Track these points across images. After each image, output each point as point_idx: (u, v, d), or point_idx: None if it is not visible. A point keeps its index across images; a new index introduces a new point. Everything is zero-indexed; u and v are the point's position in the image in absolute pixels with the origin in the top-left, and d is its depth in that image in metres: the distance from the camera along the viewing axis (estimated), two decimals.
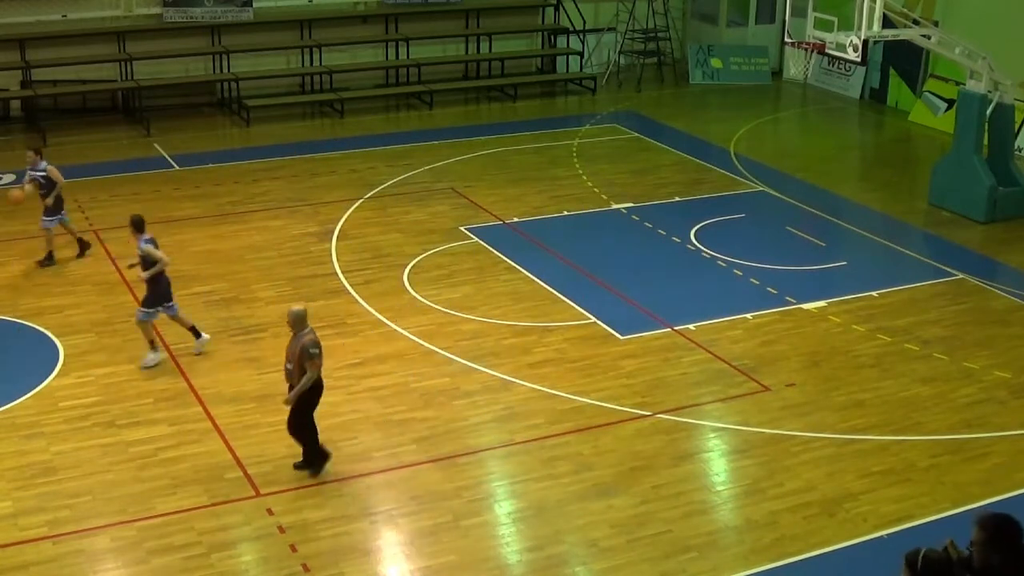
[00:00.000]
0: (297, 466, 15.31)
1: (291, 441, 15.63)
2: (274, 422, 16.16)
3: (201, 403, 16.85)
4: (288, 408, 15.05)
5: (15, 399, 16.81)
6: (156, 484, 14.94)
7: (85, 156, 28.09)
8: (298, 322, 14.84)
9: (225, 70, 32.31)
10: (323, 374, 14.91)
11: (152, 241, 18.12)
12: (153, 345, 18.07)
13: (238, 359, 18.14)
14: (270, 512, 14.39)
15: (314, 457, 15.27)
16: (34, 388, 17.19)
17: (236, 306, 19.94)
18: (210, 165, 27.35)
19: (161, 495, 14.73)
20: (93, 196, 25.11)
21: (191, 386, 17.31)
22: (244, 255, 22.03)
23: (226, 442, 15.87)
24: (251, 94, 31.94)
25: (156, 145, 28.97)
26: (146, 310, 17.95)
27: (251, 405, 16.80)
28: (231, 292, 20.45)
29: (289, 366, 14.92)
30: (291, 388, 14.92)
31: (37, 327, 19.08)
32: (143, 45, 31.59)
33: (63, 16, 30.85)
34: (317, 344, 14.73)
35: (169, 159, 27.93)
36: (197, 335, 18.41)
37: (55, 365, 17.89)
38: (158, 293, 17.96)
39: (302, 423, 15.11)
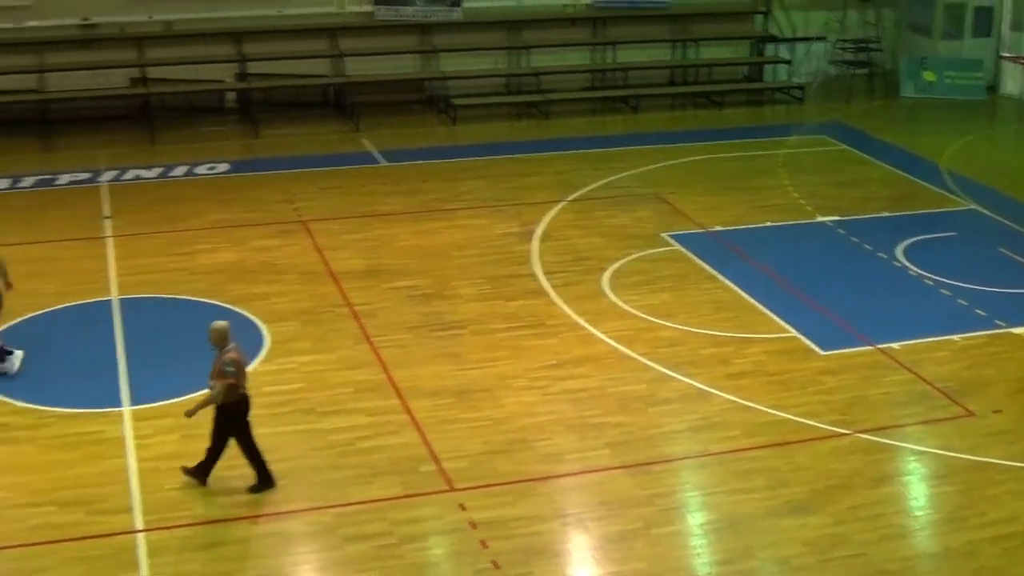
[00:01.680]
0: (253, 485, 14.86)
1: (484, 438, 15.77)
2: (471, 418, 16.32)
3: (400, 396, 17.08)
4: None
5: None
6: (353, 472, 15.19)
7: (295, 149, 28.83)
8: (220, 339, 14.42)
9: (434, 68, 32.77)
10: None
11: None
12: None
13: (438, 354, 18.33)
14: (463, 508, 14.49)
15: (262, 477, 14.80)
16: None
17: (437, 302, 20.16)
18: (417, 162, 27.74)
19: (357, 483, 14.97)
20: (302, 188, 25.72)
21: (390, 378, 17.56)
22: (447, 252, 22.28)
23: (423, 435, 16.05)
24: (458, 93, 32.31)
25: (364, 140, 29.55)
26: None
27: (449, 400, 16.95)
28: (433, 288, 20.70)
29: (212, 383, 14.41)
30: (217, 407, 14.52)
31: (245, 313, 19.60)
32: (355, 42, 32.25)
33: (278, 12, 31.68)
34: (235, 363, 14.32)
35: (376, 154, 28.46)
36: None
37: (260, 351, 18.35)
38: None
39: (218, 442, 14.65)
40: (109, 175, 26.75)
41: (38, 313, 19.71)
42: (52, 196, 25.67)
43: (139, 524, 14.10)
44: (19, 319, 19.42)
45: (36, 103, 30.81)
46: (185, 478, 14.82)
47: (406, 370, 17.80)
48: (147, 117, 30.84)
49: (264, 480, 14.81)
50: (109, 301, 20.10)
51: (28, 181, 26.57)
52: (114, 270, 21.38)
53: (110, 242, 22.69)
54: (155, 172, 27.03)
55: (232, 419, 14.51)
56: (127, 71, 31.43)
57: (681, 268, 21.74)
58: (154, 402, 16.73)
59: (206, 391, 14.53)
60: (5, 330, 18.44)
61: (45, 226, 23.61)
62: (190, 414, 14.62)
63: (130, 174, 26.87)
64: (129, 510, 14.37)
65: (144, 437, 15.81)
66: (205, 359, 14.62)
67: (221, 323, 14.52)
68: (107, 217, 24.06)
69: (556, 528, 14.25)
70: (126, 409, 16.58)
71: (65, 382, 17.37)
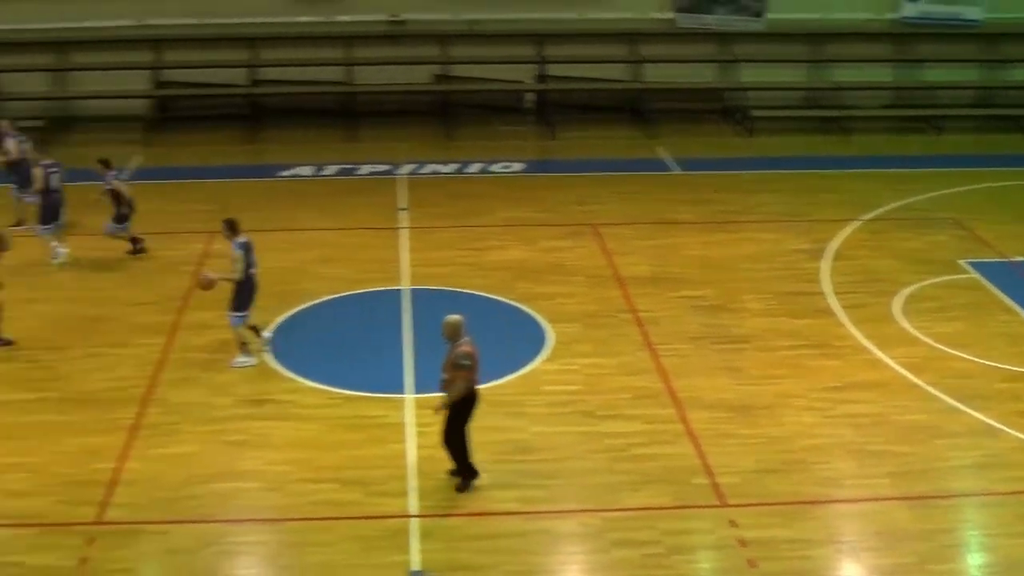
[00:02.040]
0: (451, 472, 15.03)
1: (760, 455, 15.52)
2: (748, 434, 16.09)
3: (677, 405, 16.96)
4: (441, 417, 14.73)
5: (503, 377, 17.51)
6: (625, 478, 15.17)
7: (590, 152, 29.06)
8: (454, 332, 14.47)
9: (732, 79, 32.48)
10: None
11: (241, 243, 17.98)
12: (244, 349, 18.21)
13: (719, 367, 18.13)
14: (733, 524, 14.29)
15: (464, 470, 14.91)
16: (521, 369, 17.88)
17: (723, 314, 19.95)
18: (710, 172, 27.54)
19: (629, 489, 14.94)
20: (594, 191, 25.88)
21: (669, 387, 17.46)
22: (735, 264, 22.02)
23: (697, 447, 15.89)
24: (756, 104, 31.92)
25: (659, 148, 29.52)
26: (236, 314, 18.01)
27: (727, 414, 16.75)
28: (719, 300, 20.49)
29: (444, 376, 14.56)
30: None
31: (530, 311, 19.84)
32: (654, 48, 32.24)
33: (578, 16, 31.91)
34: (470, 356, 14.30)
35: (670, 162, 28.39)
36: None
37: (543, 350, 18.53)
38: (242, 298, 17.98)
39: (452, 435, 14.71)
40: (407, 168, 27.52)
41: (332, 297, 20.42)
42: (352, 185, 26.59)
43: (414, 509, 14.42)
44: (314, 302, 20.18)
45: (343, 95, 31.96)
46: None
47: (685, 380, 17.68)
48: (447, 113, 31.58)
49: (466, 477, 14.88)
50: (400, 290, 20.65)
51: (331, 169, 27.60)
52: (407, 260, 21.95)
53: (404, 233, 23.32)
54: (451, 168, 27.67)
55: (464, 411, 14.61)
56: (430, 68, 32.27)
57: (977, 297, 20.89)
58: (436, 392, 17.04)
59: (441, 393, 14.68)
60: (303, 310, 19.26)
61: (343, 213, 24.46)
62: (438, 410, 14.70)
63: (427, 168, 27.58)
64: (405, 494, 14.72)
65: (425, 425, 16.14)
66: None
67: (455, 317, 14.56)
68: (403, 209, 24.74)
69: (827, 554, 13.90)
70: (409, 396, 16.98)
71: (353, 365, 17.93)
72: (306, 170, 27.55)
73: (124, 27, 31.26)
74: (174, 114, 32.26)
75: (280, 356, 18.25)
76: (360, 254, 22.31)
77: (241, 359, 18.14)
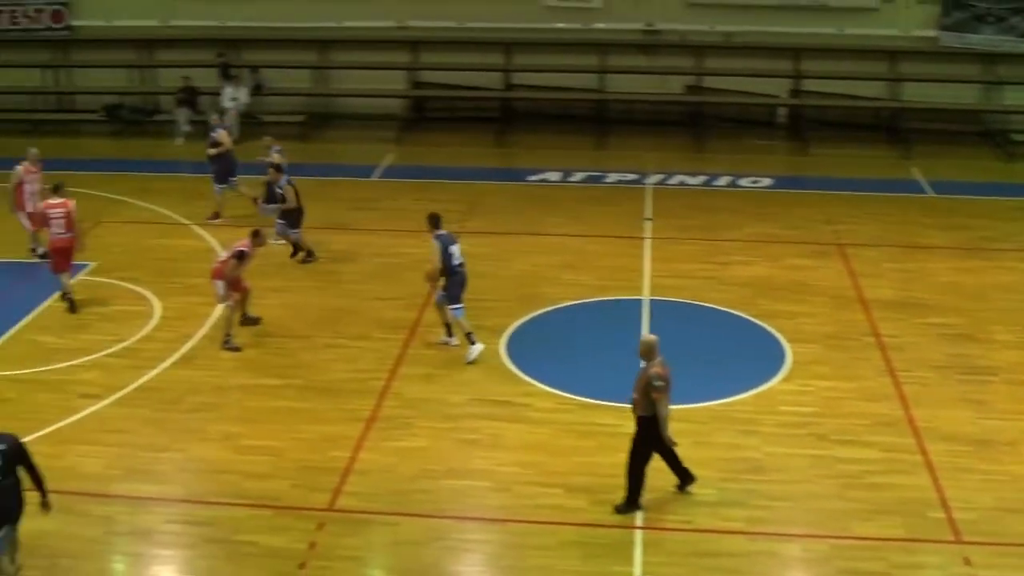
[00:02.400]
0: (678, 487, 14.84)
1: (1001, 493, 14.94)
2: (989, 470, 15.48)
3: (916, 435, 16.44)
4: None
5: (737, 394, 17.33)
6: (857, 506, 14.78)
7: (841, 170, 28.45)
8: (649, 352, 14.17)
9: (995, 101, 31.34)
10: None
11: (440, 236, 18.51)
12: (470, 337, 18.42)
13: (963, 398, 17.49)
14: (968, 562, 13.75)
15: (630, 492, 14.54)
16: (757, 387, 17.63)
17: (970, 344, 19.23)
18: (966, 197, 26.63)
19: (859, 518, 14.55)
20: (844, 211, 25.32)
21: (909, 416, 16.93)
22: (987, 293, 21.20)
23: (935, 479, 15.36)
24: (1019, 128, 30.73)
25: (913, 169, 28.69)
26: (452, 307, 18.51)
27: (967, 447, 16.14)
28: (967, 329, 19.75)
29: (635, 396, 14.26)
30: (637, 420, 14.33)
31: (769, 329, 19.54)
32: (914, 67, 31.36)
33: (839, 31, 31.27)
34: (662, 377, 13.97)
35: (924, 184, 27.57)
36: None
37: (780, 369, 18.23)
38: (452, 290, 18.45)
39: (637, 454, 14.42)
40: (655, 178, 27.48)
41: (572, 303, 20.52)
42: (599, 193, 26.69)
43: (639, 520, 14.38)
44: (554, 307, 20.32)
45: (595, 102, 32.11)
46: (687, 487, 14.97)
47: (926, 410, 17.12)
48: (698, 125, 31.41)
49: (631, 503, 14.61)
50: (640, 300, 20.61)
51: (578, 176, 27.76)
52: (648, 271, 21.91)
53: (647, 243, 23.28)
54: (699, 180, 27.49)
55: (653, 432, 14.38)
56: (683, 78, 32.14)
57: None
58: (670, 404, 16.97)
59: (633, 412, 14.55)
60: (543, 314, 19.45)
61: (589, 220, 24.56)
62: (669, 439, 14.51)
63: (675, 179, 27.47)
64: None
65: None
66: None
67: (650, 336, 14.43)
68: (648, 219, 24.70)
69: None
70: None
71: (589, 373, 17.98)
72: (554, 175, 27.79)
73: (384, 28, 32.11)
74: (428, 115, 32.97)
75: (517, 359, 18.44)
76: (602, 262, 22.37)
77: (475, 348, 18.55)
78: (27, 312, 20.39)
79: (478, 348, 18.51)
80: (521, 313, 20.03)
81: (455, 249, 18.52)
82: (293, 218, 22.28)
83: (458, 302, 18.55)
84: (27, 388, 17.86)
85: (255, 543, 14.00)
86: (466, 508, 14.80)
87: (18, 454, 12.67)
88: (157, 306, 20.54)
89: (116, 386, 17.79)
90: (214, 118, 25.48)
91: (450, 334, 18.95)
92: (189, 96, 31.44)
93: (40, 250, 22.04)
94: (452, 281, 18.51)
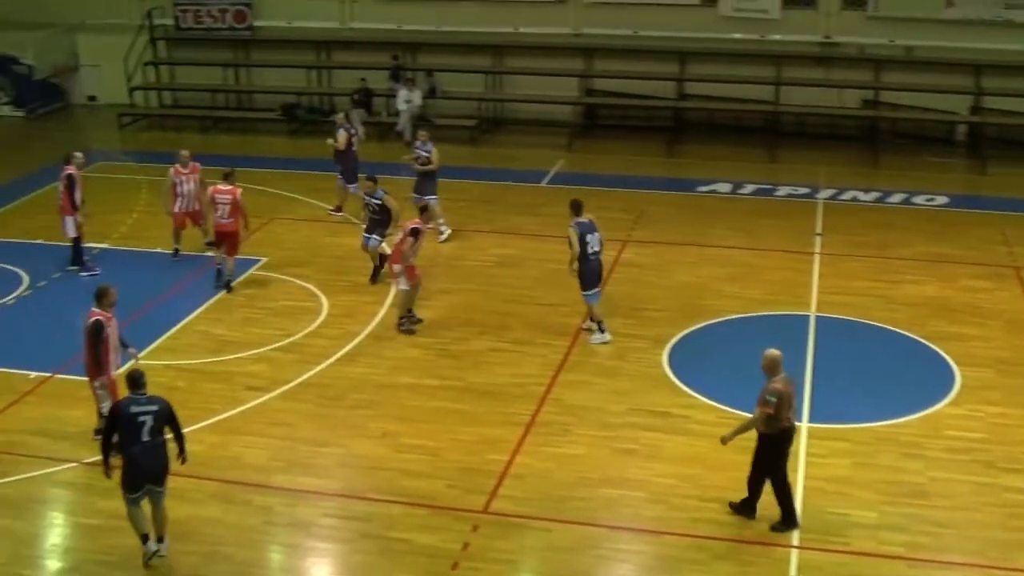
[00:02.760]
0: (737, 506, 14.56)
1: None
2: None
3: None
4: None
5: (903, 416, 16.92)
6: (1022, 536, 14.33)
7: (1021, 191, 27.59)
8: (772, 366, 13.98)
9: None
10: None
11: (578, 224, 18.92)
12: (600, 326, 19.14)
13: None
14: None
15: (747, 505, 14.45)
16: (923, 410, 17.18)
17: None
18: None
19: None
20: (1022, 233, 24.54)
21: None
22: None
23: None
24: None
25: None
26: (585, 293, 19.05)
27: None
28: None
29: (756, 409, 14.06)
30: (758, 436, 14.18)
31: (939, 351, 19.04)
32: None
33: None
34: (778, 393, 13.72)
35: None
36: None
37: (949, 393, 17.75)
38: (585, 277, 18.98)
39: (757, 471, 14.28)
40: (826, 193, 27.03)
41: (737, 316, 20.29)
42: (768, 206, 26.36)
43: (796, 540, 14.13)
44: (718, 319, 20.13)
45: (769, 114, 31.74)
46: (741, 512, 14.74)
47: None
48: (873, 140, 30.82)
49: (787, 521, 14.35)
50: (806, 316, 20.30)
51: (748, 188, 27.46)
52: (816, 287, 21.56)
53: (816, 258, 22.91)
54: (872, 196, 26.95)
55: (771, 450, 14.18)
56: (860, 92, 31.59)
57: None
58: (832, 423, 16.70)
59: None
60: (707, 326, 19.29)
61: (757, 233, 24.27)
62: (725, 440, 14.44)
63: (847, 194, 26.99)
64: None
65: (817, 456, 15.84)
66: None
67: (774, 351, 14.18)
68: (818, 234, 24.31)
69: None
70: (804, 425, 16.64)
71: (751, 387, 17.63)
72: (724, 187, 27.53)
73: (559, 35, 32.21)
74: (600, 122, 32.97)
75: (679, 370, 18.31)
76: (769, 276, 22.08)
77: (598, 336, 19.18)
78: (200, 304, 20.95)
79: (604, 337, 19.17)
80: (684, 324, 19.88)
81: (592, 238, 18.93)
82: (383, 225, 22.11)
83: (589, 288, 19.09)
84: (196, 378, 18.33)
85: (409, 541, 14.14)
86: (620, 518, 14.72)
87: (168, 415, 13.51)
88: (325, 303, 20.90)
89: (282, 380, 18.16)
90: (339, 117, 25.82)
91: (594, 323, 19.43)
92: (364, 97, 31.95)
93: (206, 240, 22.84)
94: (586, 269, 18.97)
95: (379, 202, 21.47)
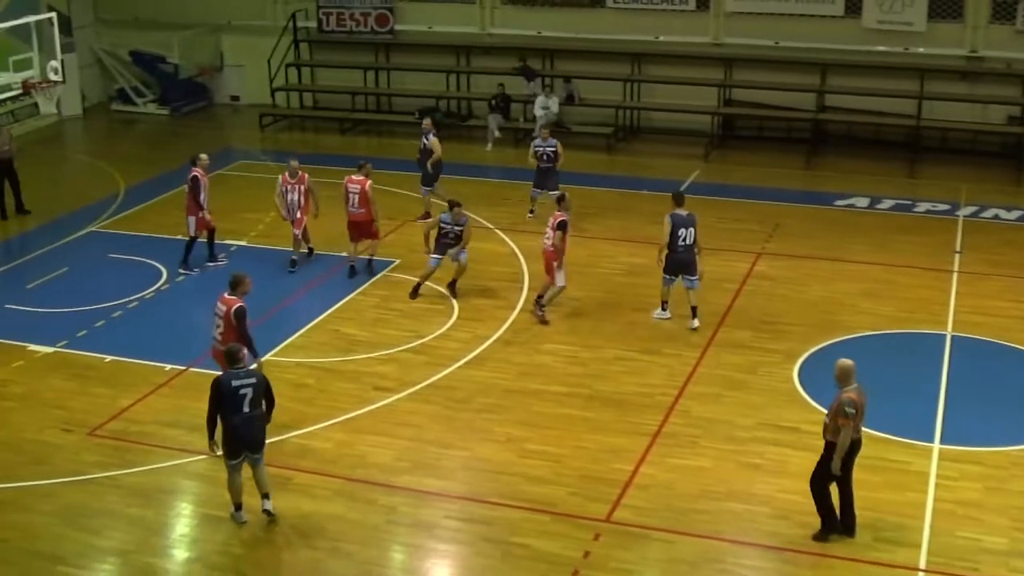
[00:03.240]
0: (815, 537, 14.34)
1: None
2: None
3: None
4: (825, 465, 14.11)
5: None
6: None
7: None
8: (844, 376, 13.80)
9: None
10: None
11: (673, 215, 19.94)
12: (663, 305, 20.40)
13: None
14: None
15: (823, 518, 14.26)
16: None
17: None
18: None
19: None
20: None
21: None
22: None
23: None
24: None
25: None
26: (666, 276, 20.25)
27: None
28: None
29: (827, 420, 13.97)
30: (825, 443, 14.00)
31: None
32: None
33: None
34: (854, 404, 13.62)
35: None
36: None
37: None
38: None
39: (819, 479, 14.14)
40: (967, 210, 26.42)
41: (871, 333, 19.95)
42: (907, 221, 25.85)
43: (923, 563, 13.86)
44: (852, 335, 19.80)
45: (910, 128, 31.12)
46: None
47: None
48: (1018, 157, 30.05)
49: (825, 526, 14.32)
50: (942, 336, 19.87)
51: (886, 203, 26.95)
52: (953, 306, 21.10)
53: (954, 277, 22.41)
54: (1015, 215, 26.24)
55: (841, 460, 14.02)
56: (1006, 108, 30.84)
57: None
58: (965, 445, 16.34)
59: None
60: (840, 342, 19.01)
61: (895, 249, 23.82)
62: (835, 470, 14.04)
63: (989, 212, 26.34)
64: (917, 546, 14.16)
65: (948, 478, 15.52)
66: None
67: (847, 361, 13.95)
68: (957, 252, 23.77)
69: None
70: (936, 446, 16.32)
71: (882, 406, 17.35)
72: (862, 201, 27.07)
73: (699, 44, 32.00)
74: (737, 132, 32.67)
75: (809, 386, 18.05)
76: (905, 293, 21.66)
77: (658, 312, 20.46)
78: (334, 303, 21.23)
79: (663, 315, 20.49)
80: (817, 339, 19.59)
81: (684, 231, 19.82)
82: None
83: (668, 275, 20.19)
84: (326, 376, 18.58)
85: (529, 546, 14.15)
86: (744, 533, 14.58)
87: (265, 388, 14.39)
88: (455, 306, 21.02)
89: (410, 381, 18.31)
90: (426, 122, 25.86)
91: (664, 308, 20.52)
92: (502, 103, 32.09)
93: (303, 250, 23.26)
94: (672, 258, 19.94)
95: (461, 229, 21.33)
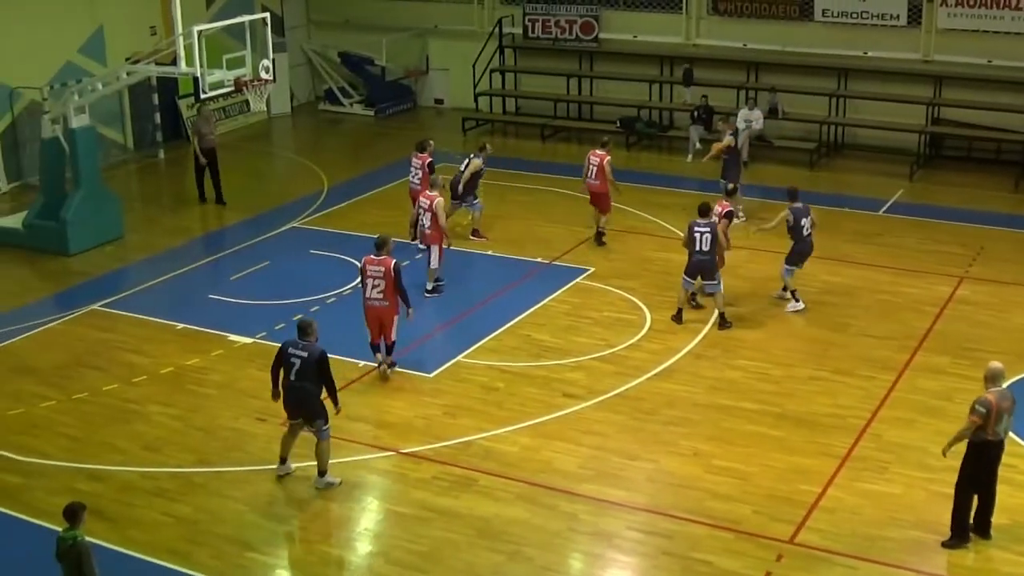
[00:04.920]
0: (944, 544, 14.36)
1: None
2: None
3: None
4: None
5: None
6: None
7: None
8: (992, 378, 14.03)
9: None
10: None
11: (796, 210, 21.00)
12: (795, 295, 21.16)
13: None
14: None
15: (954, 527, 14.30)
16: None
17: None
18: None
19: None
20: None
21: None
22: None
23: None
24: None
25: None
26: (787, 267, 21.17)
27: None
28: None
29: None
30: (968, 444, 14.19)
31: None
32: None
33: None
34: (986, 404, 13.70)
35: None
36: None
37: None
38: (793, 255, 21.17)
39: (963, 483, 14.23)
40: None
41: None
42: None
43: None
44: None
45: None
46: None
47: None
48: None
49: (954, 535, 14.21)
50: None
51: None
52: None
53: None
54: None
55: (975, 461, 14.07)
56: None
57: None
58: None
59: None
60: None
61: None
62: (945, 452, 14.33)
63: None
64: None
65: None
66: None
67: (997, 364, 14.23)
68: None
69: None
70: None
71: None
72: None
73: (908, 60, 31.29)
74: (945, 152, 31.81)
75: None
76: None
77: (792, 304, 21.16)
78: (528, 307, 21.36)
79: (798, 306, 21.13)
80: (1019, 369, 18.87)
81: (806, 221, 21.03)
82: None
83: (792, 265, 21.18)
84: (515, 380, 18.71)
85: (710, 563, 14.03)
86: (929, 563, 14.19)
87: (314, 365, 15.17)
88: (648, 317, 20.96)
89: (598, 390, 18.33)
90: (484, 148, 25.26)
91: (788, 292, 21.35)
92: (704, 114, 31.86)
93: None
94: (800, 247, 21.12)
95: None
